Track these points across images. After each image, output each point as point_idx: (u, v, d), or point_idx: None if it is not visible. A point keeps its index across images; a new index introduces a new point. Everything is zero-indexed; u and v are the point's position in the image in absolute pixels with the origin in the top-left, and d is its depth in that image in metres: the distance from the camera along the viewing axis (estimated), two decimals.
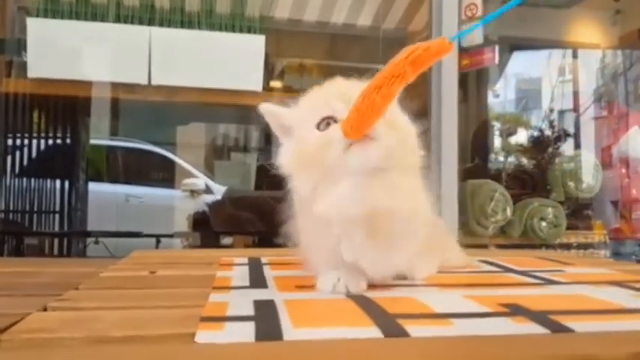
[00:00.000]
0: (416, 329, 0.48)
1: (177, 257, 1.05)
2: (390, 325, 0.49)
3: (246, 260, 0.94)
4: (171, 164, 3.91)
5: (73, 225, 3.09)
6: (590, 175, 2.72)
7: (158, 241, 3.05)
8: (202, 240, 3.04)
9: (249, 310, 0.54)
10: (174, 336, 0.46)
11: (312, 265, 0.71)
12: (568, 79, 3.69)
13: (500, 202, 2.37)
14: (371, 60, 3.10)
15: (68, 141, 3.16)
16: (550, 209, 2.49)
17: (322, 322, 0.52)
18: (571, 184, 2.68)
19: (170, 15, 2.45)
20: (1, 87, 2.40)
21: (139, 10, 2.43)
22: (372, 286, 0.67)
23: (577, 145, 3.35)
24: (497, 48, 2.31)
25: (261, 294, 0.64)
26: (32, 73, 2.24)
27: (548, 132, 3.19)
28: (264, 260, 0.93)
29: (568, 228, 2.57)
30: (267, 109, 0.69)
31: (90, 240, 3.05)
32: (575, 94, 3.60)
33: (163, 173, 4.00)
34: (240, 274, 0.79)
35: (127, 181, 3.91)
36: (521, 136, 3.26)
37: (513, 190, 2.54)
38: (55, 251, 2.98)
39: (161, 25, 2.42)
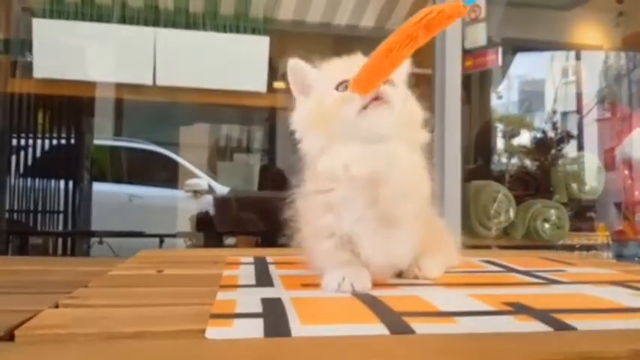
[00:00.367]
0: (421, 327, 0.49)
1: (183, 256, 1.07)
2: (396, 323, 0.50)
3: (251, 259, 0.95)
4: (174, 165, 3.92)
5: (77, 225, 3.11)
6: (593, 176, 2.72)
7: (161, 241, 3.06)
8: (206, 240, 3.05)
9: (257, 308, 0.55)
10: (185, 332, 0.47)
11: (317, 264, 0.72)
12: (571, 80, 3.69)
13: (503, 204, 2.37)
14: None
15: (72, 141, 3.17)
16: (553, 211, 2.49)
17: (329, 320, 0.53)
18: (574, 185, 2.68)
19: (175, 16, 2.47)
20: (6, 87, 2.42)
21: (143, 11, 2.45)
22: (377, 285, 0.68)
23: (580, 147, 3.35)
24: (500, 50, 2.32)
25: (267, 292, 0.65)
26: (38, 73, 2.25)
27: (551, 134, 3.19)
28: (269, 259, 0.94)
29: (571, 229, 2.57)
30: (295, 65, 0.72)
31: (94, 240, 3.06)
32: (579, 96, 3.60)
33: (167, 174, 4.01)
34: (246, 273, 0.80)
35: (131, 182, 3.92)
36: (525, 138, 3.26)
37: (516, 191, 2.54)
38: (59, 251, 2.99)
39: (166, 26, 2.44)
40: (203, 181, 3.81)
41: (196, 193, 3.70)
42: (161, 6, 2.49)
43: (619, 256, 2.79)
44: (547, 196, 2.65)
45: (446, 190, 1.94)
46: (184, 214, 3.34)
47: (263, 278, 0.75)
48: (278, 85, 2.87)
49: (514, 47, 3.28)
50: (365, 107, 0.63)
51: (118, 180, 3.85)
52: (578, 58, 3.64)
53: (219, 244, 2.96)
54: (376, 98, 0.63)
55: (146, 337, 0.47)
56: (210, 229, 3.02)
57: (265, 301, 0.58)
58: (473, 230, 2.33)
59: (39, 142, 3.04)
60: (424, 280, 0.74)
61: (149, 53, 2.29)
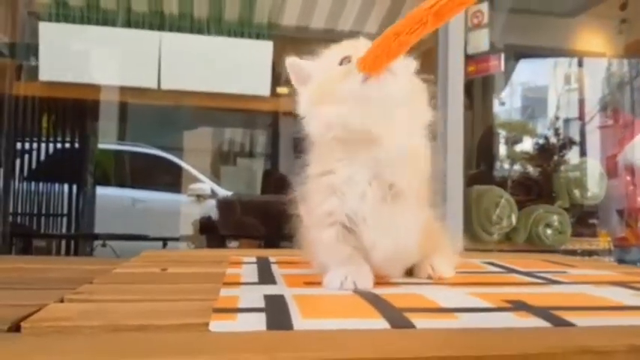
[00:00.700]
0: (422, 322, 0.49)
1: (186, 256, 1.07)
2: (397, 318, 0.51)
3: (254, 259, 0.96)
4: (177, 169, 3.94)
5: (80, 228, 3.12)
6: (595, 183, 2.72)
7: (164, 245, 3.07)
8: (209, 244, 3.06)
9: (260, 303, 0.56)
10: (189, 325, 0.48)
11: (319, 259, 0.73)
12: (574, 87, 3.70)
13: (505, 209, 2.37)
14: None
15: (77, 145, 3.19)
16: (555, 216, 2.49)
17: (331, 314, 0.54)
18: (576, 191, 2.68)
19: (179, 21, 2.48)
20: (11, 90, 2.43)
21: (148, 15, 2.46)
22: (378, 283, 0.68)
23: (582, 154, 3.35)
24: (502, 56, 2.32)
25: (270, 289, 0.65)
26: (44, 76, 2.27)
27: (553, 140, 3.19)
28: (272, 259, 0.95)
29: (573, 235, 2.57)
30: (292, 62, 0.73)
31: (97, 243, 3.07)
32: (581, 103, 3.60)
33: (170, 178, 4.02)
34: (249, 272, 0.81)
35: (134, 185, 3.94)
36: (527, 144, 3.26)
37: (518, 196, 2.54)
38: (63, 253, 3.00)
39: (170, 30, 2.45)
40: (206, 185, 3.83)
41: (199, 197, 3.71)
42: (166, 11, 2.51)
43: (621, 262, 2.78)
44: (549, 202, 2.65)
45: (448, 194, 1.95)
46: (187, 218, 3.35)
47: (265, 276, 0.76)
48: (281, 89, 2.88)
49: (517, 53, 3.29)
50: (368, 78, 0.64)
51: (121, 184, 3.87)
52: (580, 65, 3.64)
53: (222, 247, 2.96)
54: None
55: (151, 329, 0.48)
56: (213, 234, 3.03)
57: (268, 298, 0.59)
58: (475, 235, 2.33)
59: (43, 145, 3.06)
60: (439, 279, 0.75)
61: (154, 57, 2.30)
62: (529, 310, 0.55)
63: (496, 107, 3.37)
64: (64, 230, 3.07)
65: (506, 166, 3.06)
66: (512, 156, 3.08)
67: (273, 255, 1.01)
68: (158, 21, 2.48)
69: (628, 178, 3.04)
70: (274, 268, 0.85)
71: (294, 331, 0.47)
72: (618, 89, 3.53)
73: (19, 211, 2.88)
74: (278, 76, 2.62)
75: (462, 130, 2.10)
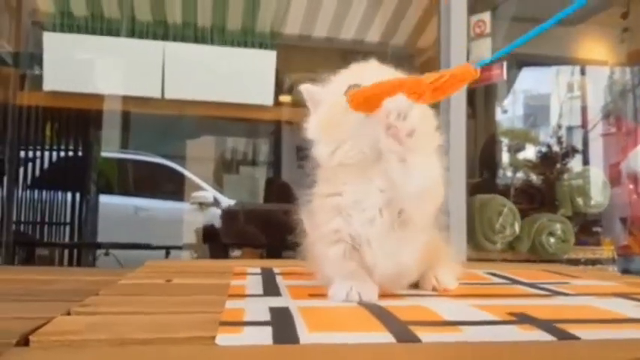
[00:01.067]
0: (427, 335, 0.50)
1: (190, 267, 1.08)
2: (402, 331, 0.51)
3: (258, 270, 0.96)
4: (180, 177, 3.95)
5: (83, 236, 3.12)
6: (598, 191, 2.72)
7: (167, 253, 3.07)
8: (211, 252, 3.06)
9: (266, 316, 0.56)
10: (195, 339, 0.49)
11: (323, 272, 0.73)
12: (576, 95, 3.70)
13: (508, 217, 2.37)
14: None
15: (80, 153, 3.20)
16: (558, 225, 2.49)
17: (336, 328, 0.54)
18: (579, 200, 2.68)
19: (183, 30, 2.50)
20: (15, 100, 2.45)
21: (152, 25, 2.48)
22: (383, 295, 0.69)
23: (585, 162, 3.35)
24: (505, 64, 2.33)
25: (275, 301, 0.66)
26: (47, 86, 2.28)
27: (556, 148, 3.19)
28: (276, 270, 0.95)
29: (576, 244, 2.56)
30: (305, 88, 0.74)
31: (100, 251, 3.08)
32: (584, 111, 3.61)
33: (173, 186, 4.03)
34: (253, 283, 0.81)
35: (137, 194, 3.94)
36: (530, 152, 3.26)
37: (521, 205, 2.54)
38: (65, 262, 3.00)
39: (174, 40, 2.47)
40: (209, 193, 3.83)
41: (202, 205, 3.72)
42: (170, 20, 2.52)
43: (625, 271, 2.78)
44: (552, 210, 2.65)
45: (451, 203, 1.94)
46: (190, 226, 3.36)
47: (270, 288, 0.76)
48: (284, 98, 2.89)
49: (519, 62, 3.30)
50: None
51: (124, 192, 3.88)
52: (583, 73, 3.65)
53: (225, 256, 2.97)
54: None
55: (157, 343, 0.48)
56: (216, 242, 3.03)
57: (273, 310, 0.59)
58: (478, 244, 2.33)
59: (47, 154, 3.07)
60: (443, 291, 0.76)
61: (158, 67, 2.31)
62: (533, 323, 0.55)
63: (499, 115, 3.37)
64: (66, 239, 3.07)
65: (509, 174, 3.06)
66: (514, 164, 3.08)
67: (277, 265, 1.01)
68: (162, 30, 2.49)
69: (631, 186, 3.03)
70: (279, 279, 0.85)
71: (300, 345, 0.47)
72: (621, 97, 3.54)
73: (22, 219, 2.89)
74: (281, 85, 2.64)
75: (464, 138, 2.10)
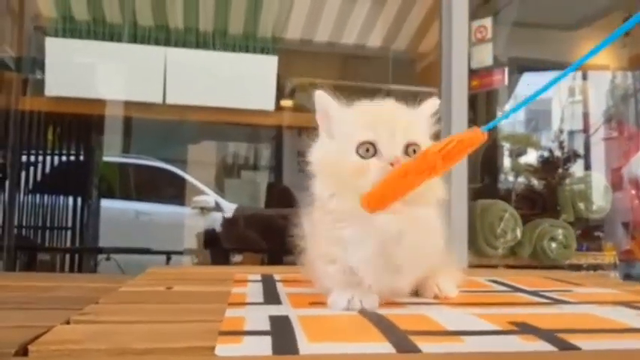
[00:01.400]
0: (427, 346, 0.49)
1: (191, 274, 1.08)
2: (402, 341, 0.51)
3: (259, 277, 0.96)
4: (182, 182, 3.95)
5: (84, 241, 3.12)
6: (600, 196, 2.72)
7: (168, 258, 3.07)
8: (212, 257, 3.06)
9: (266, 325, 0.56)
10: (195, 349, 0.48)
11: (323, 284, 0.73)
12: (578, 100, 3.70)
13: (509, 223, 2.37)
14: (381, 80, 3.13)
15: (81, 158, 3.20)
16: (560, 230, 2.49)
17: (336, 337, 0.54)
18: (581, 205, 2.68)
19: (185, 35, 2.50)
20: (17, 105, 2.45)
21: (154, 30, 2.48)
22: (383, 303, 0.68)
23: (587, 166, 3.35)
24: (506, 70, 2.33)
25: (275, 310, 0.65)
26: (50, 91, 2.29)
27: (557, 153, 3.19)
28: (276, 277, 0.95)
29: (578, 249, 2.56)
30: (320, 96, 0.70)
31: (101, 256, 3.08)
32: (585, 115, 3.61)
33: (174, 190, 4.03)
34: (254, 291, 0.81)
35: (139, 198, 3.94)
36: (531, 157, 3.26)
37: (523, 210, 2.54)
38: (67, 267, 3.01)
39: (176, 45, 2.47)
40: (210, 198, 3.83)
41: (203, 210, 3.72)
42: (171, 25, 2.53)
43: (627, 276, 2.77)
44: (554, 215, 2.64)
45: (452, 209, 1.95)
46: (191, 231, 3.36)
47: (271, 296, 0.76)
48: (285, 102, 2.89)
49: (520, 67, 3.30)
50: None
51: (125, 197, 3.88)
52: (584, 77, 3.65)
53: (226, 261, 2.97)
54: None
55: (157, 353, 0.48)
56: (217, 246, 3.03)
57: (273, 319, 0.59)
58: (480, 249, 2.33)
59: (48, 158, 3.07)
60: (445, 299, 0.76)
61: (159, 72, 2.32)
62: (535, 332, 0.55)
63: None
64: (68, 243, 3.08)
65: (511, 179, 3.06)
66: (516, 169, 3.08)
67: (277, 272, 1.01)
68: (164, 35, 2.50)
69: (633, 191, 3.03)
70: (279, 286, 0.85)
71: (300, 355, 0.47)
72: (622, 102, 3.53)
73: (24, 224, 2.89)
74: (282, 90, 2.64)
75: None
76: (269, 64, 2.46)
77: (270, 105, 2.42)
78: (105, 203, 3.31)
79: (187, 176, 3.95)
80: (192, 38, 2.51)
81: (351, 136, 0.66)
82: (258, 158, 4.30)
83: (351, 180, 0.64)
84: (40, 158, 3.02)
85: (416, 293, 0.77)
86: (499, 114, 3.34)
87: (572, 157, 3.17)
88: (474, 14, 2.24)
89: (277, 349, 0.48)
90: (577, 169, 3.14)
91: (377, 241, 0.64)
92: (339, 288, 0.68)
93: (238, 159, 4.35)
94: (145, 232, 3.55)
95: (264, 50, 2.56)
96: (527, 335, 0.54)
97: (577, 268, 2.53)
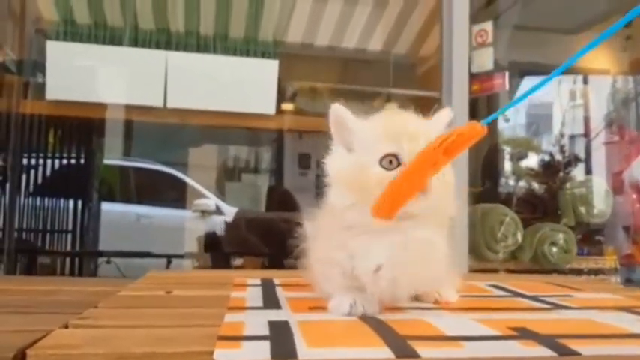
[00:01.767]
0: (427, 351, 0.49)
1: (191, 278, 1.08)
2: (401, 346, 0.50)
3: (258, 281, 0.95)
4: (182, 185, 3.95)
5: (85, 244, 3.12)
6: (601, 200, 2.71)
7: (169, 262, 3.07)
8: (213, 261, 3.05)
9: (265, 330, 0.56)
10: (194, 353, 0.48)
11: (323, 287, 0.73)
12: (579, 104, 3.70)
13: (510, 227, 2.37)
14: (382, 84, 3.14)
15: (82, 161, 3.20)
16: (561, 234, 2.48)
17: (335, 342, 0.53)
18: (582, 209, 2.68)
19: (186, 39, 2.51)
20: (17, 108, 2.45)
21: (155, 33, 2.49)
22: (383, 308, 0.68)
23: (588, 171, 3.35)
24: (507, 74, 2.33)
25: (275, 314, 0.65)
26: (51, 95, 2.29)
27: (558, 157, 3.19)
28: (276, 281, 0.95)
29: (579, 253, 2.56)
30: (336, 110, 0.70)
31: (102, 259, 3.07)
32: (586, 119, 3.61)
33: (175, 194, 4.03)
34: (253, 295, 0.81)
35: (139, 202, 3.94)
36: (532, 161, 3.26)
37: (524, 214, 2.54)
38: (67, 270, 3.00)
39: (177, 48, 2.48)
40: (211, 201, 3.83)
41: (204, 213, 3.72)
42: (172, 28, 2.53)
43: (627, 281, 2.77)
44: (555, 220, 2.64)
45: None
46: (192, 234, 3.36)
47: (270, 300, 0.76)
48: (286, 106, 2.89)
49: (521, 71, 3.30)
50: None
51: (126, 200, 3.88)
52: (585, 81, 3.65)
53: (227, 264, 2.96)
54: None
55: (156, 357, 0.48)
56: (218, 250, 3.03)
57: (272, 324, 0.59)
58: (480, 254, 2.33)
59: (49, 161, 3.07)
60: (445, 304, 0.76)
61: (160, 76, 2.32)
62: (534, 338, 0.55)
63: (501, 124, 3.37)
64: (68, 247, 3.07)
65: (511, 183, 3.06)
66: (516, 173, 3.08)
67: (277, 276, 1.01)
68: (165, 38, 2.50)
69: (634, 195, 3.02)
70: (279, 290, 0.85)
71: None
72: (623, 106, 3.53)
73: (25, 227, 2.89)
74: (283, 94, 2.64)
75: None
76: (270, 67, 2.46)
77: (270, 109, 2.42)
78: (105, 206, 3.31)
79: (188, 180, 3.95)
80: (194, 42, 2.52)
81: (373, 149, 0.66)
82: (259, 162, 4.30)
83: (375, 191, 0.64)
84: (41, 161, 3.02)
85: (416, 298, 0.77)
86: (500, 118, 3.34)
87: (572, 161, 3.16)
88: (475, 18, 2.24)
89: (276, 354, 0.48)
90: (578, 173, 3.13)
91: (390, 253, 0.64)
92: (341, 292, 0.68)
93: (239, 162, 4.35)
94: (146, 236, 3.55)
95: (265, 54, 2.56)
96: (527, 340, 0.54)
97: (578, 272, 2.53)
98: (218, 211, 3.75)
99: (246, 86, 2.42)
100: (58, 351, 0.48)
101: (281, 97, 2.64)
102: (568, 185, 2.87)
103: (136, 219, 3.78)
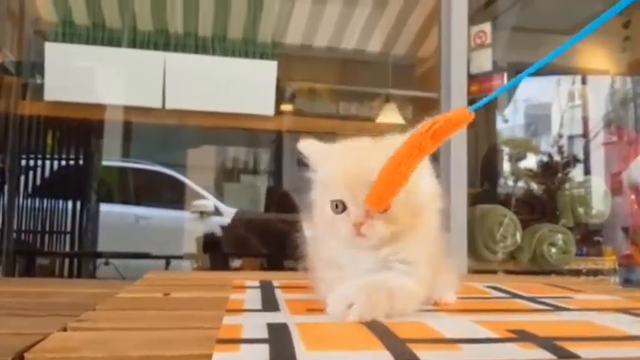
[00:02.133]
0: (426, 354, 0.49)
1: (189, 279, 1.07)
2: (400, 349, 0.50)
3: (257, 283, 0.95)
4: (181, 186, 3.95)
5: (83, 245, 3.12)
6: (599, 201, 2.71)
7: (168, 263, 3.07)
8: (212, 262, 3.05)
9: (263, 333, 0.56)
10: (192, 357, 0.48)
11: (323, 290, 0.73)
12: (577, 104, 3.70)
13: (509, 228, 2.37)
14: (381, 85, 3.14)
15: (81, 162, 3.20)
16: (560, 235, 2.48)
17: (334, 345, 0.53)
18: (581, 209, 2.67)
19: (184, 40, 2.51)
20: (16, 109, 2.45)
21: (154, 35, 2.49)
22: None
23: (587, 171, 3.35)
24: (506, 75, 2.33)
25: (273, 317, 0.65)
26: (49, 96, 2.29)
27: (557, 157, 3.19)
28: (275, 283, 0.94)
29: (578, 254, 2.56)
30: (304, 147, 0.72)
31: (100, 261, 3.07)
32: (585, 120, 3.61)
33: (173, 195, 4.03)
34: (252, 297, 0.80)
35: (138, 203, 3.94)
36: (531, 161, 3.26)
37: (522, 215, 2.54)
38: (66, 272, 3.00)
39: (175, 50, 2.48)
40: (210, 202, 3.83)
41: (203, 214, 3.72)
42: (171, 29, 2.53)
43: (626, 281, 2.77)
44: (553, 220, 2.64)
45: (452, 214, 1.94)
46: (191, 235, 3.35)
47: (269, 303, 0.76)
48: (285, 107, 2.89)
49: (520, 71, 3.29)
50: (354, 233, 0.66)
51: (125, 201, 3.88)
52: (584, 82, 3.65)
53: (226, 265, 2.96)
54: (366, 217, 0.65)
55: None
56: (217, 251, 3.03)
57: (271, 327, 0.59)
58: (479, 254, 2.32)
59: (47, 162, 3.07)
60: (444, 305, 0.76)
61: (159, 77, 2.32)
62: (533, 340, 0.55)
63: (499, 124, 3.37)
64: (67, 248, 3.07)
65: (510, 183, 3.06)
66: (515, 173, 3.07)
67: (276, 278, 1.01)
68: (163, 39, 2.50)
69: (632, 196, 3.02)
70: (278, 293, 0.85)
71: None
72: (622, 106, 3.53)
73: (23, 228, 2.89)
74: (282, 95, 2.64)
75: (465, 148, 2.10)
76: (269, 68, 2.46)
77: (269, 110, 2.42)
78: (104, 207, 3.31)
79: (187, 180, 3.94)
80: (192, 43, 2.52)
81: (327, 190, 0.69)
82: (258, 163, 4.31)
83: (332, 228, 0.67)
84: (40, 162, 3.02)
85: None
86: (499, 119, 3.34)
87: (571, 161, 3.16)
88: (473, 19, 2.24)
89: (275, 357, 0.47)
90: (576, 173, 3.14)
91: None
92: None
93: (238, 163, 4.35)
94: (145, 237, 3.55)
95: (263, 55, 2.56)
96: (525, 343, 0.54)
97: (577, 273, 2.53)
98: (217, 212, 3.75)
99: (244, 87, 2.42)
100: (56, 354, 0.48)
101: (280, 98, 2.64)
102: (567, 186, 2.87)
103: (135, 220, 3.78)
